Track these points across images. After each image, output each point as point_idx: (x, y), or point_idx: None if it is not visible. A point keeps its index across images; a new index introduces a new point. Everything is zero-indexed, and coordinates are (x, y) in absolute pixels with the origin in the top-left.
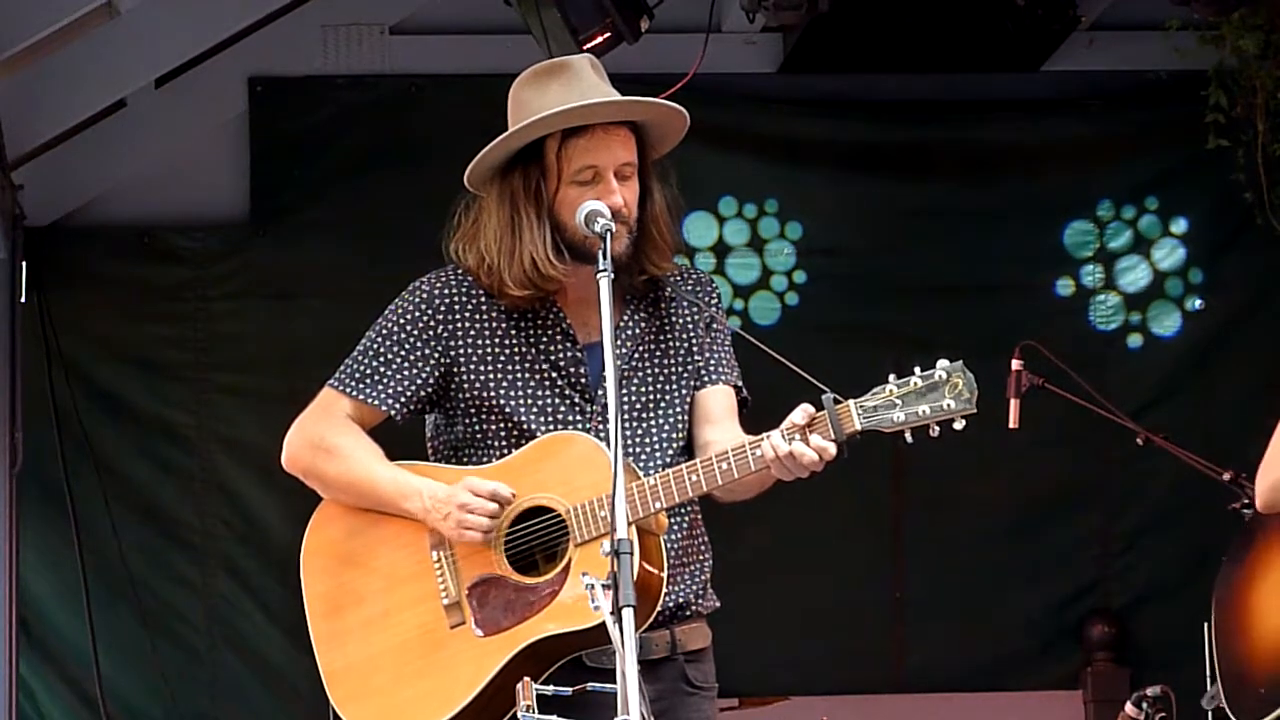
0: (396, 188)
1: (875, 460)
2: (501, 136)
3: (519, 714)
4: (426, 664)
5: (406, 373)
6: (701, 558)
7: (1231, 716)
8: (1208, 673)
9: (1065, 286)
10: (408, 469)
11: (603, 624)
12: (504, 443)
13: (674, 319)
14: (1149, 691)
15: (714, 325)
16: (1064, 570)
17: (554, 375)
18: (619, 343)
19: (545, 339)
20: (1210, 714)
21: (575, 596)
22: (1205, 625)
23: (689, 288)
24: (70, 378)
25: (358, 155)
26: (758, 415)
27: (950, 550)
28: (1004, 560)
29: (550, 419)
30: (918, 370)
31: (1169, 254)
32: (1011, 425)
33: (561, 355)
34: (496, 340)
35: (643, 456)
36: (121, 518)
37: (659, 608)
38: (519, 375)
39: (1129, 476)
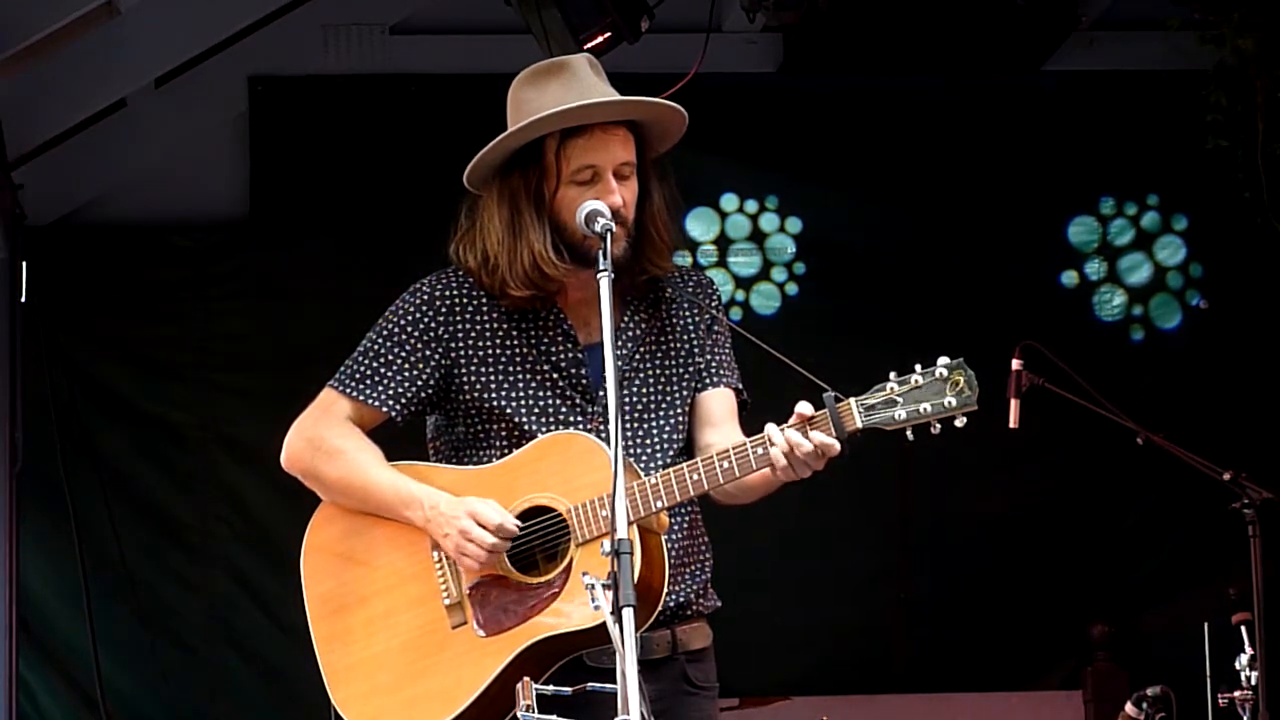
0: (396, 188)
1: (879, 461)
2: (500, 137)
3: (518, 714)
4: (429, 664)
5: (407, 374)
6: (702, 557)
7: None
8: (1208, 672)
9: (1069, 278)
10: (408, 471)
11: (604, 624)
12: (505, 444)
13: (675, 320)
14: (1149, 691)
15: (715, 327)
16: (1064, 570)
17: (555, 376)
18: (620, 343)
19: (546, 340)
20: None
21: (576, 596)
22: (1205, 625)
23: (690, 289)
24: (70, 378)
25: (358, 155)
26: (759, 409)
27: (951, 550)
28: (1005, 560)
29: (551, 420)
30: (919, 368)
31: (1172, 253)
32: (1011, 425)
33: (562, 356)
34: (497, 342)
35: (643, 457)
36: (121, 518)
37: (660, 607)
38: (520, 377)
39: (1129, 476)
